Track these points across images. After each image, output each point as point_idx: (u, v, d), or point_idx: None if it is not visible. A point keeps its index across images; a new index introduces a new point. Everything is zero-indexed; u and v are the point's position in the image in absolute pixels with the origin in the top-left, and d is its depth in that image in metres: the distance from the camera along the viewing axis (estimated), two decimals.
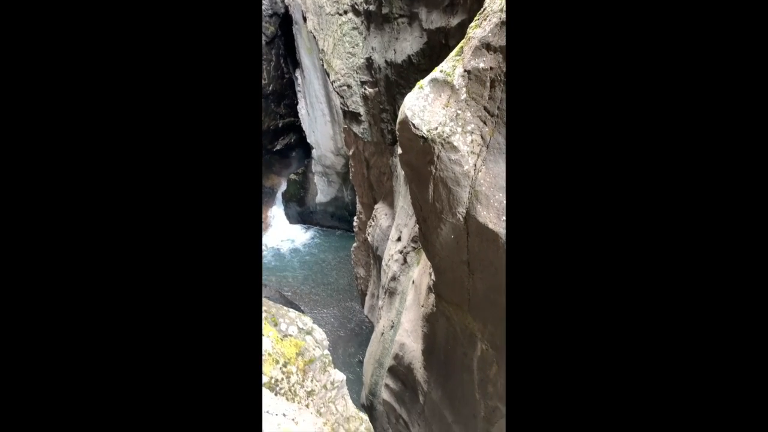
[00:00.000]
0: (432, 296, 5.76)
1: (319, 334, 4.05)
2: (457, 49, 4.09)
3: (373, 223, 10.15)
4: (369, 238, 10.34)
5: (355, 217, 12.70)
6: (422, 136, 4.03)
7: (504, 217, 3.80)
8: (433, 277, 5.44)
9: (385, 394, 7.71)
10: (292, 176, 20.30)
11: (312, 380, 3.72)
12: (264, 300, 4.09)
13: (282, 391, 3.50)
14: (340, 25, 8.89)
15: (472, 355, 5.19)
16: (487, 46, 3.73)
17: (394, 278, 7.94)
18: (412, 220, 7.55)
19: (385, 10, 7.73)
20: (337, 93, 9.21)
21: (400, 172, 8.40)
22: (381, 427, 8.06)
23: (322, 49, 9.32)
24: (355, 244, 12.76)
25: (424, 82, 4.14)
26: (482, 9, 3.91)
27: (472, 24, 3.96)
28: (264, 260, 17.74)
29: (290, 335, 3.82)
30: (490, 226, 3.87)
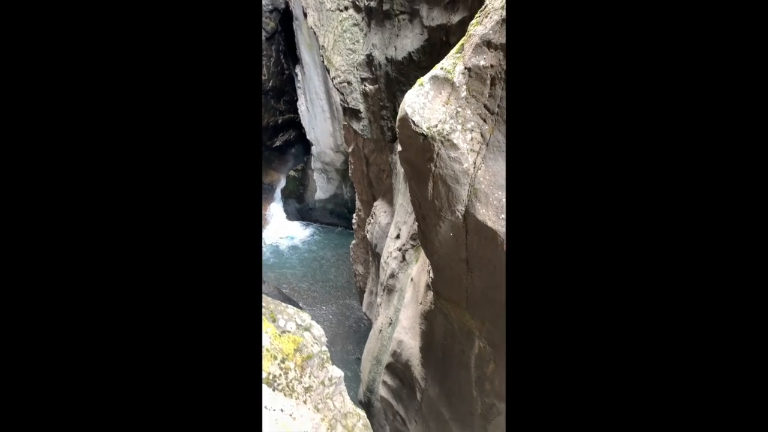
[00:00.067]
0: (430, 294, 5.77)
1: (318, 330, 4.05)
2: (457, 46, 4.08)
3: (372, 221, 10.15)
4: (368, 236, 10.35)
5: (354, 215, 12.70)
6: (422, 134, 4.03)
7: (503, 216, 3.80)
8: (431, 274, 5.45)
9: (382, 391, 7.73)
10: (292, 173, 20.26)
11: (310, 376, 3.74)
12: (262, 296, 4.09)
13: (280, 387, 3.51)
14: (340, 21, 8.86)
15: (470, 353, 5.20)
16: (487, 44, 3.72)
17: (392, 276, 7.96)
18: (411, 217, 7.56)
19: (385, 7, 7.70)
20: (337, 89, 9.19)
21: (400, 170, 8.40)
22: (378, 424, 8.09)
23: (323, 46, 9.29)
24: (353, 242, 12.76)
25: (425, 79, 4.13)
26: (483, 6, 3.90)
27: (473, 21, 3.95)
28: (262, 257, 17.73)
29: (288, 331, 3.83)
30: (489, 224, 3.87)
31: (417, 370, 6.62)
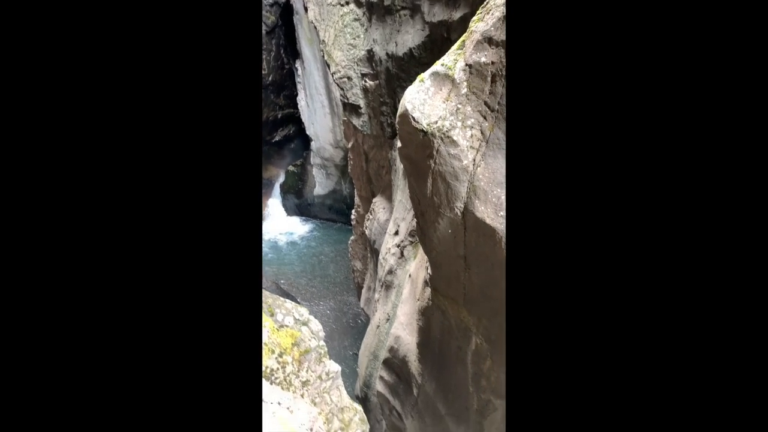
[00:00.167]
0: (428, 290, 5.79)
1: (315, 325, 4.07)
2: (458, 42, 4.07)
3: (370, 217, 10.16)
4: (366, 232, 10.35)
5: (353, 210, 12.70)
6: (422, 130, 4.02)
7: (501, 213, 3.81)
8: (429, 271, 5.46)
9: (379, 386, 7.77)
10: (291, 168, 20.22)
11: (307, 370, 3.75)
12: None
13: (277, 381, 3.52)
14: (341, 16, 8.81)
15: (467, 349, 5.23)
16: (489, 41, 3.71)
17: (390, 272, 7.97)
18: (409, 214, 7.56)
19: (387, 2, 7.66)
20: (338, 85, 9.16)
21: (399, 166, 8.39)
22: (375, 419, 8.14)
23: (323, 40, 9.25)
24: (352, 237, 12.77)
25: (425, 75, 4.12)
26: (485, 3, 3.89)
27: (475, 18, 3.94)
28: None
29: (286, 326, 3.84)
30: (488, 221, 3.88)
31: (414, 365, 6.65)
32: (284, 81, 19.85)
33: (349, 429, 4.06)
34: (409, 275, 7.27)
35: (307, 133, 19.01)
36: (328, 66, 9.27)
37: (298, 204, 20.27)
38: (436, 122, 3.96)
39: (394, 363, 7.25)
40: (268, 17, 18.64)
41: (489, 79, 3.77)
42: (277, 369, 3.57)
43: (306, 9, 10.63)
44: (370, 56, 8.42)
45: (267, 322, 3.76)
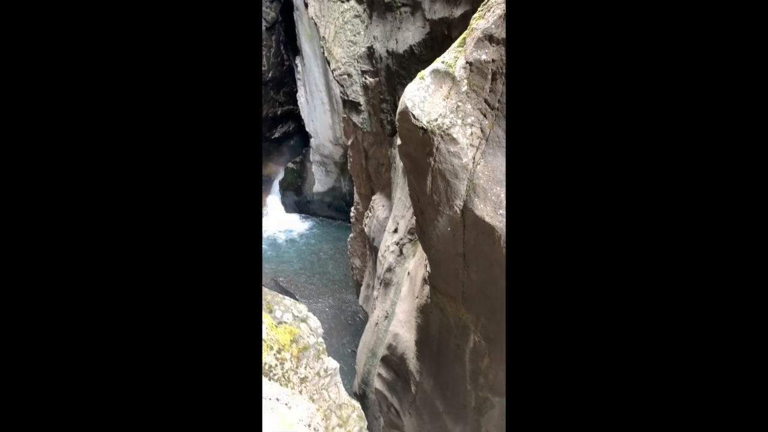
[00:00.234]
0: (427, 288, 5.79)
1: (314, 321, 4.07)
2: (459, 40, 4.06)
3: (370, 214, 10.15)
4: (366, 229, 10.35)
5: (352, 208, 12.69)
6: (422, 127, 4.02)
7: (501, 211, 3.81)
8: (428, 268, 5.47)
9: (377, 384, 7.79)
10: (290, 165, 20.18)
11: (306, 367, 3.76)
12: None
13: (275, 377, 3.53)
14: (341, 12, 8.78)
15: (465, 347, 5.24)
16: (489, 38, 3.70)
17: (389, 269, 7.98)
18: (409, 211, 7.56)
19: None
20: (338, 82, 9.13)
21: (399, 164, 8.39)
22: (373, 416, 8.16)
23: (323, 37, 9.21)
24: (351, 235, 12.77)
25: (426, 72, 4.11)
26: (486, 0, 3.87)
27: (476, 15, 3.93)
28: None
29: (285, 322, 3.84)
30: (487, 219, 3.88)
31: (412, 363, 6.66)
32: (284, 77, 19.79)
33: (347, 426, 4.07)
34: (408, 273, 7.28)
35: (307, 130, 18.96)
36: (329, 63, 9.24)
37: (297, 201, 20.25)
38: (436, 120, 3.96)
39: (393, 360, 7.26)
40: (268, 13, 18.56)
41: (489, 76, 3.77)
42: (276, 365, 3.57)
43: (306, 5, 10.58)
44: (371, 53, 8.40)
45: (265, 319, 3.76)
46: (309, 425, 3.21)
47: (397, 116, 4.30)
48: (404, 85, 5.49)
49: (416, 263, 6.99)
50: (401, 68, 7.90)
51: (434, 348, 6.04)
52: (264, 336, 3.62)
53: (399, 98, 4.53)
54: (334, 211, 19.53)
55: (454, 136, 3.90)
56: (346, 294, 15.16)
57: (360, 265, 12.31)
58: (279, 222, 19.73)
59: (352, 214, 12.71)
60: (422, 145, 4.10)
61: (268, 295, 4.08)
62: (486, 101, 3.84)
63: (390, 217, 8.80)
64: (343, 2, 8.71)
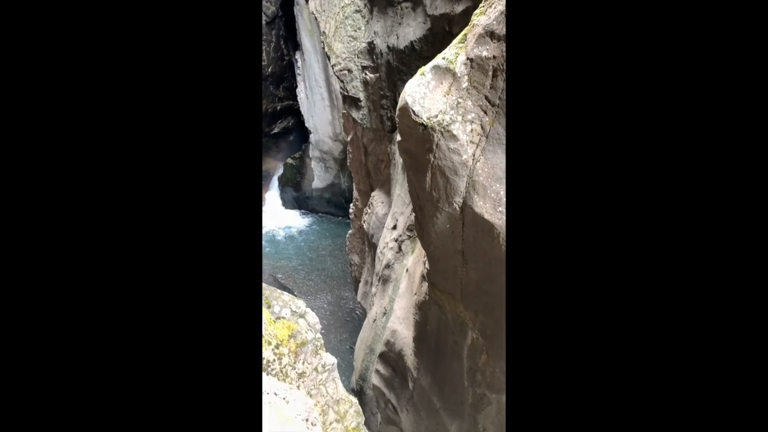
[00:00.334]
0: (425, 284, 5.80)
1: (312, 317, 4.08)
2: (460, 36, 4.04)
3: (369, 211, 10.15)
4: (365, 226, 10.35)
5: (351, 204, 12.68)
6: (422, 124, 4.01)
7: (500, 208, 3.81)
8: (427, 265, 5.47)
9: (375, 380, 7.82)
10: (289, 161, 20.14)
11: (303, 362, 3.77)
12: None
13: (273, 372, 3.54)
14: (342, 7, 8.73)
15: (463, 344, 5.26)
16: (490, 35, 3.68)
17: (388, 266, 7.98)
18: (408, 208, 7.55)
19: None
20: (338, 77, 9.09)
21: (398, 160, 8.37)
22: (370, 412, 8.20)
23: (324, 32, 9.16)
24: (350, 231, 12.77)
25: (426, 68, 4.10)
26: None
27: (477, 11, 3.91)
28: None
29: (283, 317, 3.85)
30: (486, 216, 3.88)
31: (410, 359, 6.69)
32: (284, 72, 19.69)
33: (344, 421, 4.09)
34: (407, 270, 7.29)
35: (306, 125, 18.91)
36: (329, 58, 9.20)
37: (296, 197, 20.22)
38: (436, 116, 3.94)
39: (390, 357, 7.29)
40: (268, 7, 18.44)
41: (490, 73, 3.75)
42: (274, 360, 3.58)
43: (306, 0, 10.52)
44: (371, 49, 8.36)
45: (264, 314, 3.76)
46: (306, 420, 3.22)
47: (397, 112, 4.29)
48: (404, 81, 5.48)
49: (415, 260, 7.00)
50: (402, 64, 7.87)
51: (432, 345, 6.06)
52: (262, 331, 3.62)
53: (399, 94, 4.51)
54: (333, 207, 19.52)
55: (454, 132, 3.89)
56: (345, 290, 15.18)
57: (359, 262, 12.32)
58: (278, 218, 19.71)
59: (351, 211, 12.70)
60: (422, 142, 4.09)
61: (266, 290, 4.08)
62: (486, 98, 3.83)
63: (389, 213, 8.79)
64: None
